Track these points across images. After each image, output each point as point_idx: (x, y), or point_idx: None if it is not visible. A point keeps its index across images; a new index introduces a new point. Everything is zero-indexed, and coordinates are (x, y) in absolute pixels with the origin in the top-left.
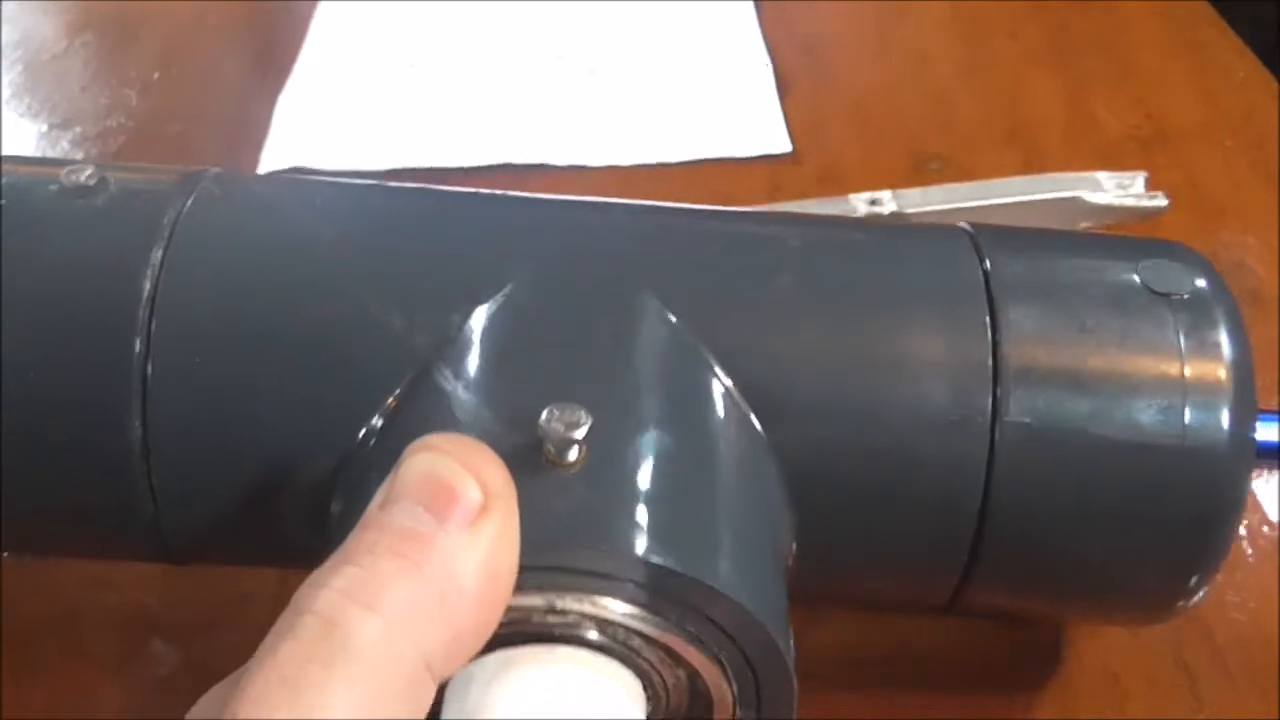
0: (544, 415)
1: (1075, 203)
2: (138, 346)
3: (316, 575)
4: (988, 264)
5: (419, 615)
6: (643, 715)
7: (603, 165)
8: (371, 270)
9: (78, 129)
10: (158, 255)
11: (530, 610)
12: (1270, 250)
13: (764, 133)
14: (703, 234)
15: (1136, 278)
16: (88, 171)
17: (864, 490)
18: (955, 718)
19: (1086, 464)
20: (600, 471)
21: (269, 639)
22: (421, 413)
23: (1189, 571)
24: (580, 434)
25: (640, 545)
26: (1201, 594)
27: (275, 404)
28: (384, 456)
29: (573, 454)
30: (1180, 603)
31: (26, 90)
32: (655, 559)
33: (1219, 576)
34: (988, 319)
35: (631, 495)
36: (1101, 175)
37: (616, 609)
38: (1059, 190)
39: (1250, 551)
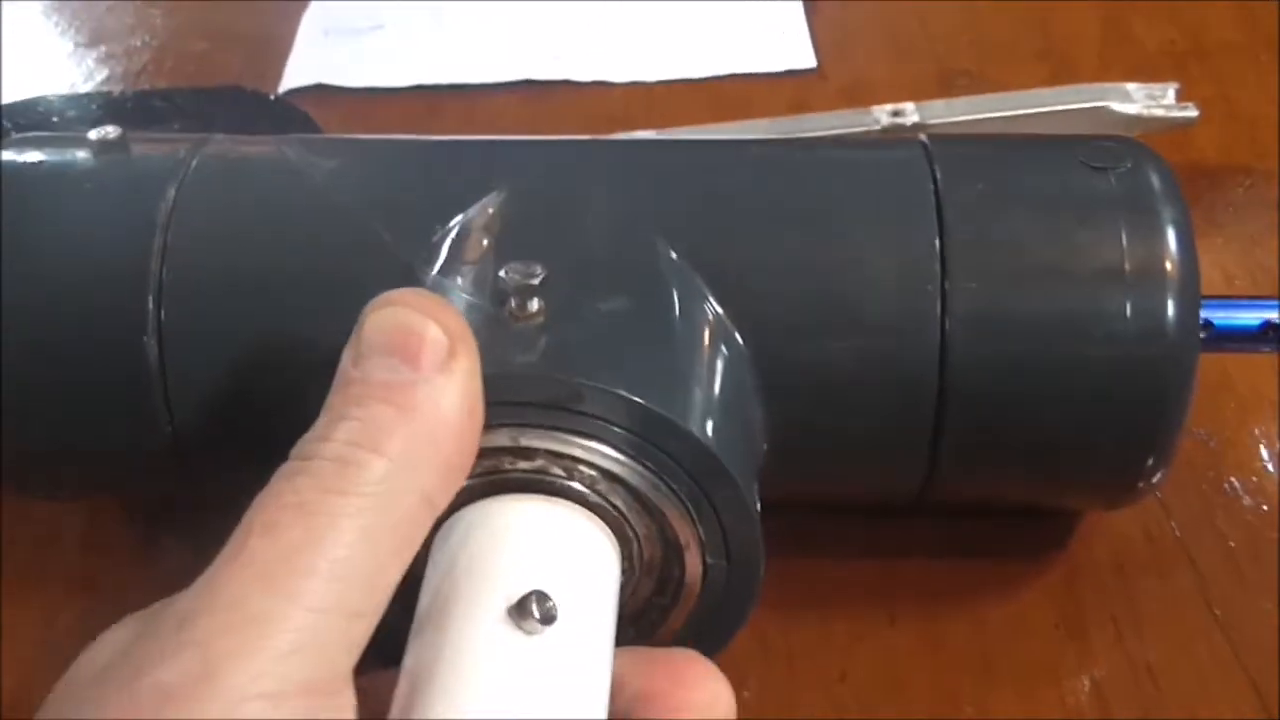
0: (502, 271)
1: (1103, 113)
2: (153, 266)
3: (313, 433)
4: (937, 168)
5: (417, 455)
6: (615, 559)
7: (625, 81)
8: (363, 193)
9: (103, 47)
10: (171, 191)
11: (498, 452)
12: None
13: (789, 48)
14: (673, 154)
15: (1077, 157)
16: (114, 132)
17: (827, 382)
18: (956, 609)
19: (1036, 347)
20: (562, 322)
21: (273, 484)
22: None
23: (1143, 452)
24: (536, 281)
25: (601, 377)
26: (1159, 476)
27: (278, 315)
28: None
29: (533, 305)
30: (1140, 483)
31: (54, 9)
32: (618, 390)
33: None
34: (935, 213)
35: (594, 340)
36: (1131, 86)
37: (580, 444)
38: (1086, 100)
39: (1267, 456)
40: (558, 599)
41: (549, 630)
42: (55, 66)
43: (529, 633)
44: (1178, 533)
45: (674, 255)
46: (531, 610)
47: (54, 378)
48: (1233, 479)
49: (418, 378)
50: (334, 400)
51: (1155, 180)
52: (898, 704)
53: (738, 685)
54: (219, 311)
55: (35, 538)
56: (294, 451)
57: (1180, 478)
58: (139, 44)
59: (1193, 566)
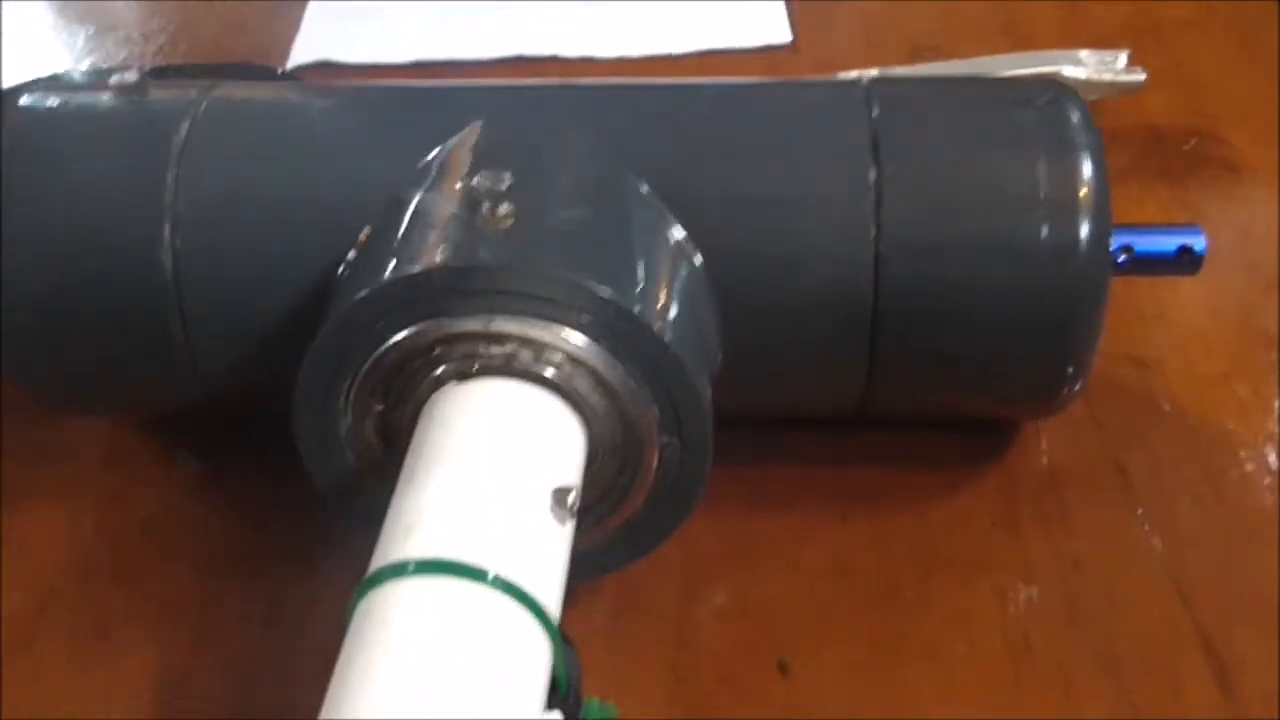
0: (474, 179)
1: (1055, 78)
2: (168, 194)
3: None
4: (875, 105)
5: None
6: (580, 436)
7: (611, 57)
8: (357, 128)
9: (120, 32)
10: (185, 126)
11: (473, 338)
12: (1248, 125)
13: (766, 24)
14: (642, 95)
15: (1003, 94)
16: (134, 75)
17: (774, 301)
18: (902, 510)
19: (963, 268)
20: (531, 225)
21: None
22: (391, 220)
23: (1062, 363)
24: (504, 187)
25: (566, 265)
26: (1079, 385)
27: (281, 236)
28: (367, 265)
29: (503, 208)
30: (1063, 391)
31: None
32: (581, 279)
33: (1085, 379)
34: (871, 146)
35: (561, 240)
36: (1083, 52)
37: (547, 329)
38: (1040, 65)
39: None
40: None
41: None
42: (75, 50)
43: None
44: (1108, 445)
45: (643, 187)
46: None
47: (79, 300)
48: (1163, 400)
49: None
50: None
51: (1072, 113)
52: (847, 589)
53: (701, 581)
54: (227, 233)
55: (60, 453)
56: None
57: (1115, 398)
58: (154, 29)
59: (1121, 474)
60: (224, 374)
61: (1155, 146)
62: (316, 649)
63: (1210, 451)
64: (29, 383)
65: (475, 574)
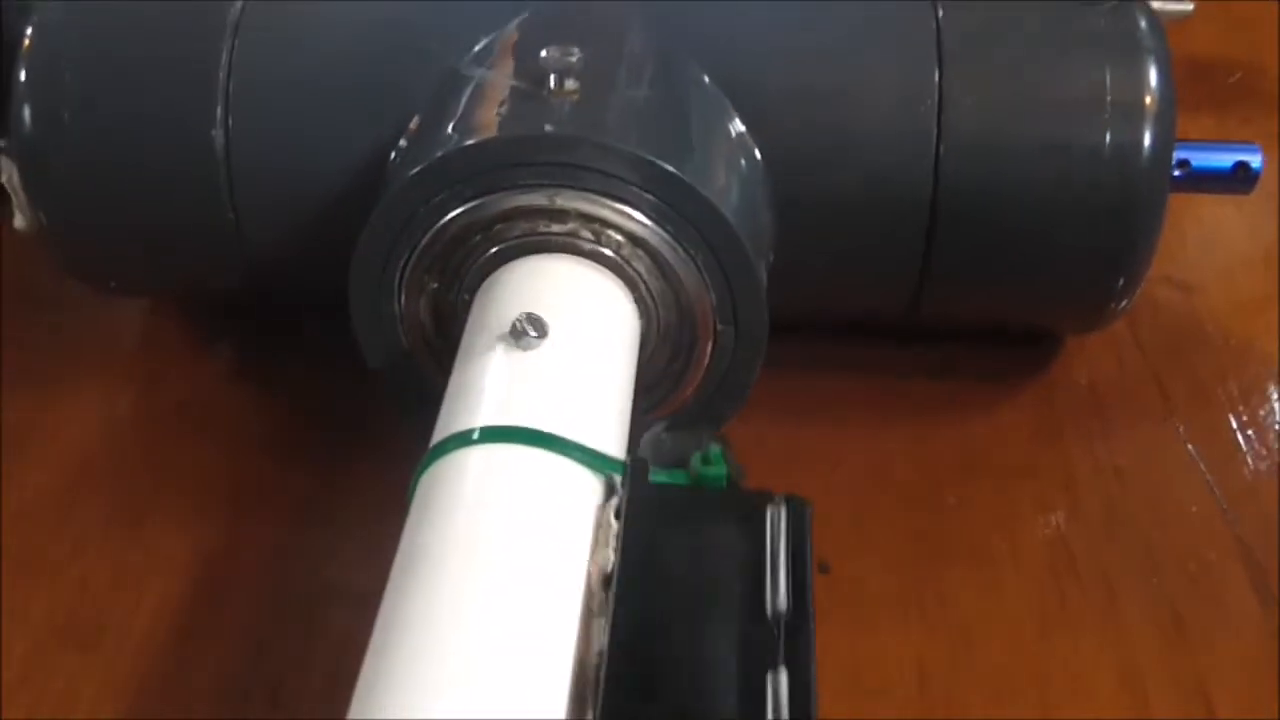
0: (543, 52)
1: None
2: (221, 70)
3: None
4: (940, 4)
5: None
6: (634, 316)
7: None
8: (407, 9)
9: None
10: (239, 1)
11: (534, 214)
12: None
13: None
14: None
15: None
16: None
17: (830, 198)
18: (943, 420)
19: (1022, 170)
20: (597, 100)
21: None
22: (447, 100)
23: (1114, 273)
24: (574, 59)
25: (632, 142)
26: (1127, 301)
27: (335, 115)
28: (424, 144)
29: (570, 83)
30: (1112, 304)
31: None
32: (647, 154)
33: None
34: (935, 45)
35: (627, 116)
36: None
37: (609, 206)
38: None
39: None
40: (557, 323)
41: (545, 344)
42: None
43: (524, 348)
44: (1150, 364)
45: (705, 78)
46: (524, 328)
47: (129, 175)
48: (1205, 321)
49: None
50: None
51: (1141, 20)
52: (886, 492)
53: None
54: (281, 110)
55: (96, 334)
56: None
57: (1158, 320)
58: None
59: (1162, 392)
60: (272, 254)
61: (1200, 78)
62: (355, 537)
63: (1252, 374)
64: (75, 259)
65: (543, 439)
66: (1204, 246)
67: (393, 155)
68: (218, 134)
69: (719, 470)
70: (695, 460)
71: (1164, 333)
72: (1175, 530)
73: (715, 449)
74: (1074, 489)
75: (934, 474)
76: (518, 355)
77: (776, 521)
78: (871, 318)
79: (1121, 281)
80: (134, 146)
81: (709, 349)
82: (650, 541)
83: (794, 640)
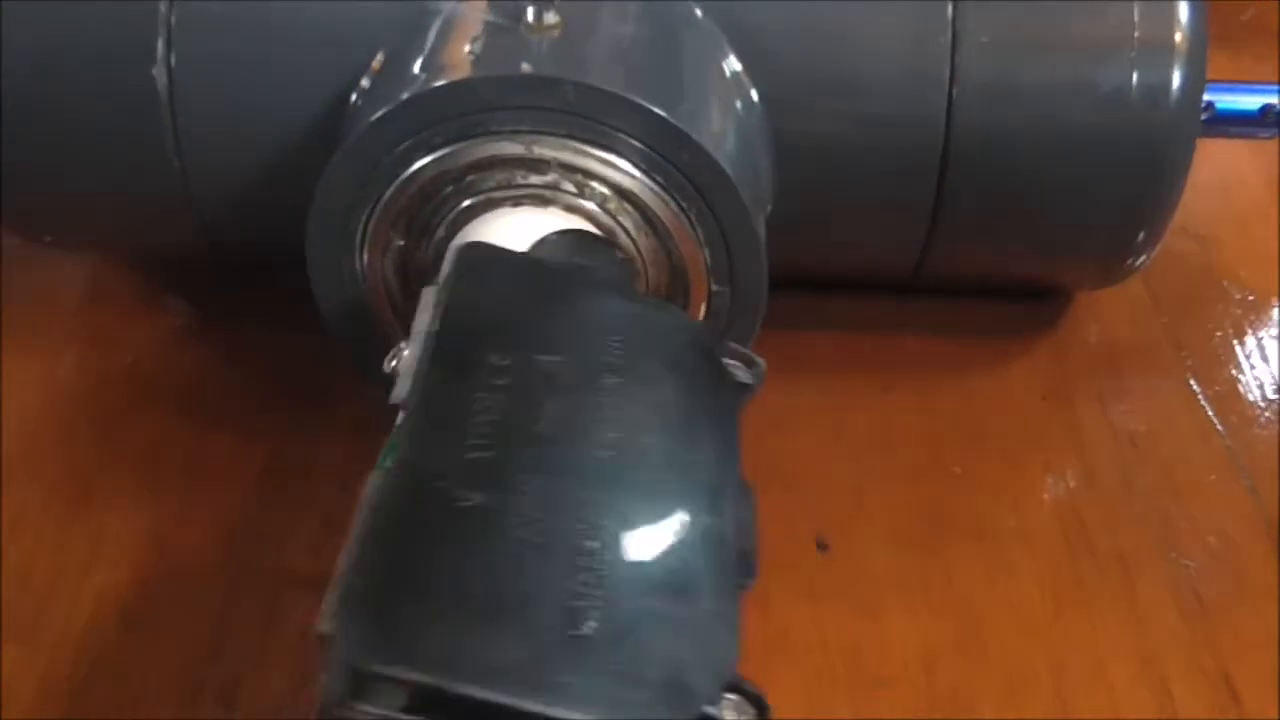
0: None
1: None
2: (163, 6)
3: None
4: None
5: None
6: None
7: None
8: None
9: None
10: None
11: (510, 164)
12: None
13: None
14: None
15: None
16: None
17: (835, 142)
18: (948, 381)
19: (1041, 113)
20: (580, 36)
21: None
22: (415, 35)
23: (1136, 224)
24: None
25: (619, 83)
26: (1146, 256)
27: (288, 53)
28: (389, 83)
29: (549, 17)
30: (1131, 258)
31: None
32: (634, 97)
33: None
34: None
35: (612, 55)
36: None
37: (593, 154)
38: None
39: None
40: None
41: None
42: None
43: None
44: (1165, 321)
45: (701, 15)
46: None
47: (68, 120)
48: (1222, 275)
49: None
50: None
51: None
52: (889, 461)
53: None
54: (228, 49)
55: (37, 290)
56: None
57: (1172, 273)
58: None
59: (1178, 350)
60: (223, 206)
61: (1210, 15)
62: (318, 515)
63: (1272, 329)
64: (14, 210)
65: None
66: (1218, 194)
67: (354, 96)
68: (159, 72)
69: None
70: None
71: (1178, 286)
72: (1193, 500)
73: None
74: (1086, 456)
75: (938, 440)
76: None
77: None
78: (877, 273)
79: (1142, 235)
80: (67, 87)
81: (703, 311)
82: None
83: None
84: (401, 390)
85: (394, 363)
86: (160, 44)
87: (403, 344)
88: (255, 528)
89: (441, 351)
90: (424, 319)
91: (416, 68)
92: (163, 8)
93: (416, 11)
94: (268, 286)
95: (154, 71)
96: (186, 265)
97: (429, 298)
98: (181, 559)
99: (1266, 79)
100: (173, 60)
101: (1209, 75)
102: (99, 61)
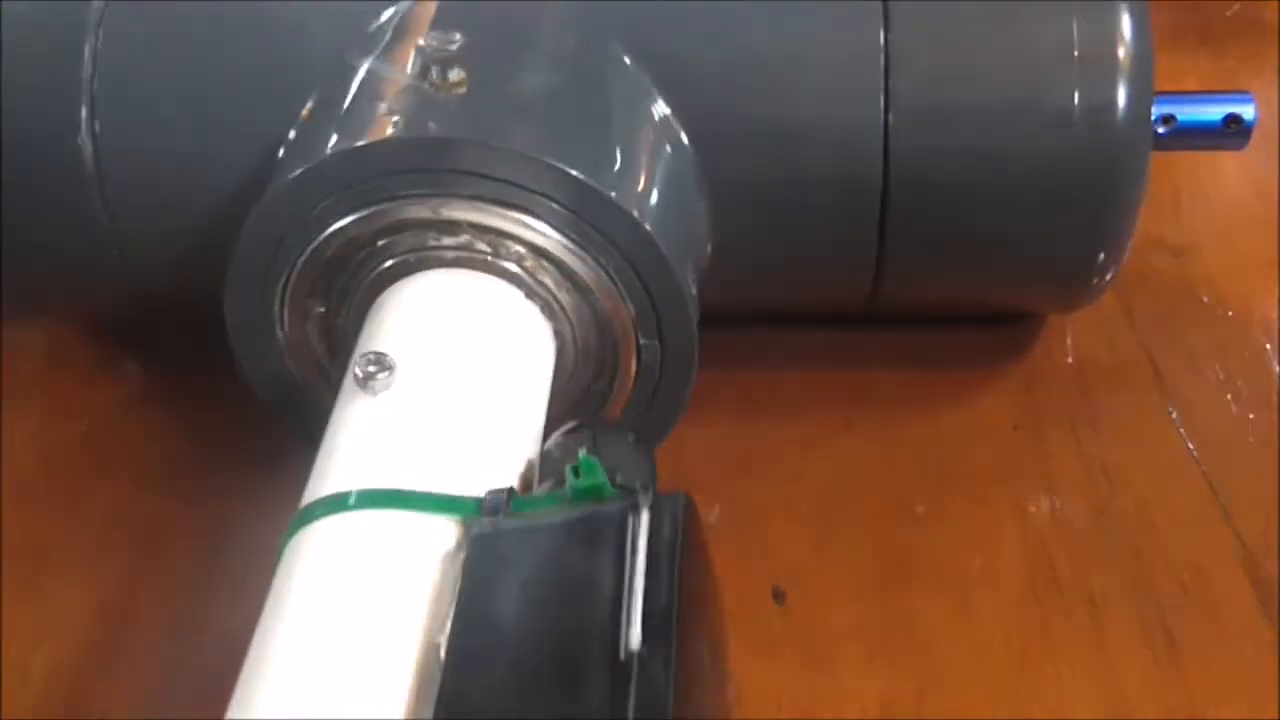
0: (421, 40)
1: None
2: (85, 69)
3: None
4: None
5: None
6: (547, 338)
7: None
8: None
9: None
10: None
11: (421, 226)
12: None
13: None
14: None
15: None
16: None
17: (772, 179)
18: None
19: (983, 138)
20: (488, 92)
21: None
22: (337, 90)
23: (1094, 246)
24: (454, 48)
25: (526, 145)
26: (1111, 275)
27: (214, 113)
28: (306, 143)
29: (454, 74)
30: (1093, 280)
31: None
32: (545, 158)
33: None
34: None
35: (522, 111)
36: None
37: (505, 216)
38: None
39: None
40: (416, 353)
41: (397, 382)
42: None
43: (372, 392)
44: (1142, 341)
45: (624, 57)
46: (368, 371)
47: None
48: (1202, 290)
49: None
50: None
51: None
52: (850, 504)
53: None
54: (153, 112)
55: None
56: None
57: (1147, 288)
58: None
59: (1155, 371)
60: (156, 269)
61: (1195, 11)
62: (266, 583)
63: (1253, 347)
64: None
65: (387, 498)
66: (1197, 203)
67: (281, 150)
68: (85, 140)
69: (593, 480)
70: (568, 473)
71: (1156, 303)
72: (1168, 535)
73: (585, 457)
74: (1057, 490)
75: (902, 479)
76: (366, 402)
77: (637, 532)
78: (829, 305)
79: (1101, 256)
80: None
81: (633, 366)
82: (495, 591)
83: (648, 683)
84: None
85: None
86: (84, 111)
87: None
88: (202, 600)
89: None
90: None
91: (330, 130)
92: (85, 74)
93: (341, 66)
94: (217, 347)
95: (79, 141)
96: (138, 328)
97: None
98: (128, 637)
99: (1252, 79)
100: (97, 127)
101: (1193, 76)
102: (23, 133)
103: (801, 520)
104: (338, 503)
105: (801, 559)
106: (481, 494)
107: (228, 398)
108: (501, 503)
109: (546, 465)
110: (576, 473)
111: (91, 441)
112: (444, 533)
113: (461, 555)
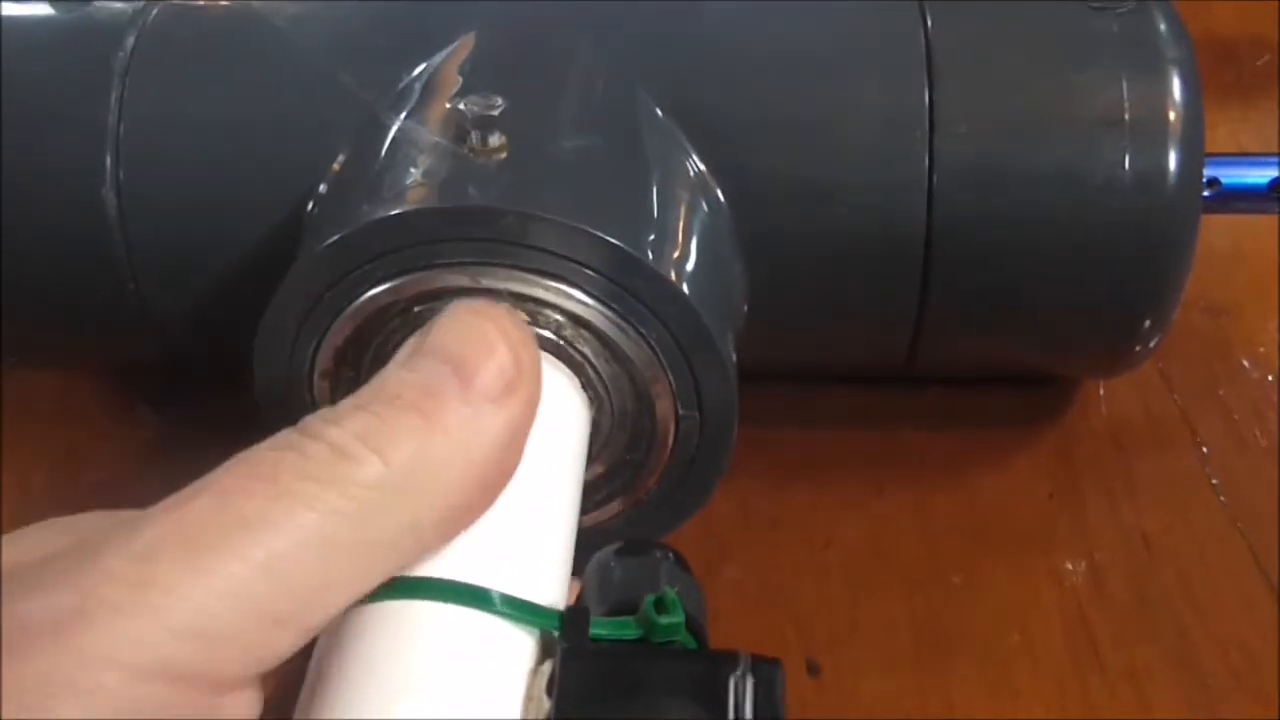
0: (461, 103)
1: None
2: (111, 118)
3: (329, 411)
4: (929, 13)
5: (423, 477)
6: (582, 406)
7: None
8: (328, 38)
9: None
10: (130, 39)
11: (458, 293)
12: None
13: None
14: (662, 5)
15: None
16: None
17: (810, 239)
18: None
19: (1028, 201)
20: (527, 158)
21: (259, 448)
22: (369, 149)
23: (1140, 314)
24: (496, 112)
25: (567, 213)
26: (1156, 340)
27: (240, 166)
28: (338, 203)
29: (494, 139)
30: (1136, 348)
31: None
32: (584, 226)
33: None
34: (925, 61)
35: (561, 176)
36: None
37: (544, 285)
38: None
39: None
40: None
41: None
42: None
43: None
44: (1179, 404)
45: (658, 111)
46: None
47: (17, 240)
48: (1240, 352)
49: (463, 397)
50: (366, 389)
51: (1160, 22)
52: (883, 571)
53: (720, 559)
54: (179, 163)
55: (8, 405)
56: (303, 421)
57: (1185, 350)
58: None
59: (1193, 437)
60: (180, 323)
61: (1225, 62)
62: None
63: None
64: None
65: (454, 592)
66: (1231, 260)
67: (310, 204)
68: (109, 193)
69: (675, 619)
70: (648, 606)
71: (1192, 366)
72: (1211, 609)
73: (671, 593)
74: (1096, 561)
75: (938, 547)
76: None
77: (741, 695)
78: (865, 366)
79: (1147, 324)
80: (18, 208)
81: (671, 435)
82: None
83: None
84: None
85: None
86: (109, 161)
87: None
88: None
89: None
90: None
91: (361, 194)
92: (111, 123)
93: (372, 122)
94: (235, 396)
95: (103, 192)
96: (154, 376)
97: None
98: None
99: None
100: (121, 176)
101: (1223, 128)
102: (46, 184)
103: (834, 587)
104: (401, 587)
105: (835, 629)
106: (527, 593)
107: (243, 446)
108: (584, 622)
109: (605, 584)
110: (659, 606)
111: (106, 491)
112: (515, 642)
113: (544, 673)
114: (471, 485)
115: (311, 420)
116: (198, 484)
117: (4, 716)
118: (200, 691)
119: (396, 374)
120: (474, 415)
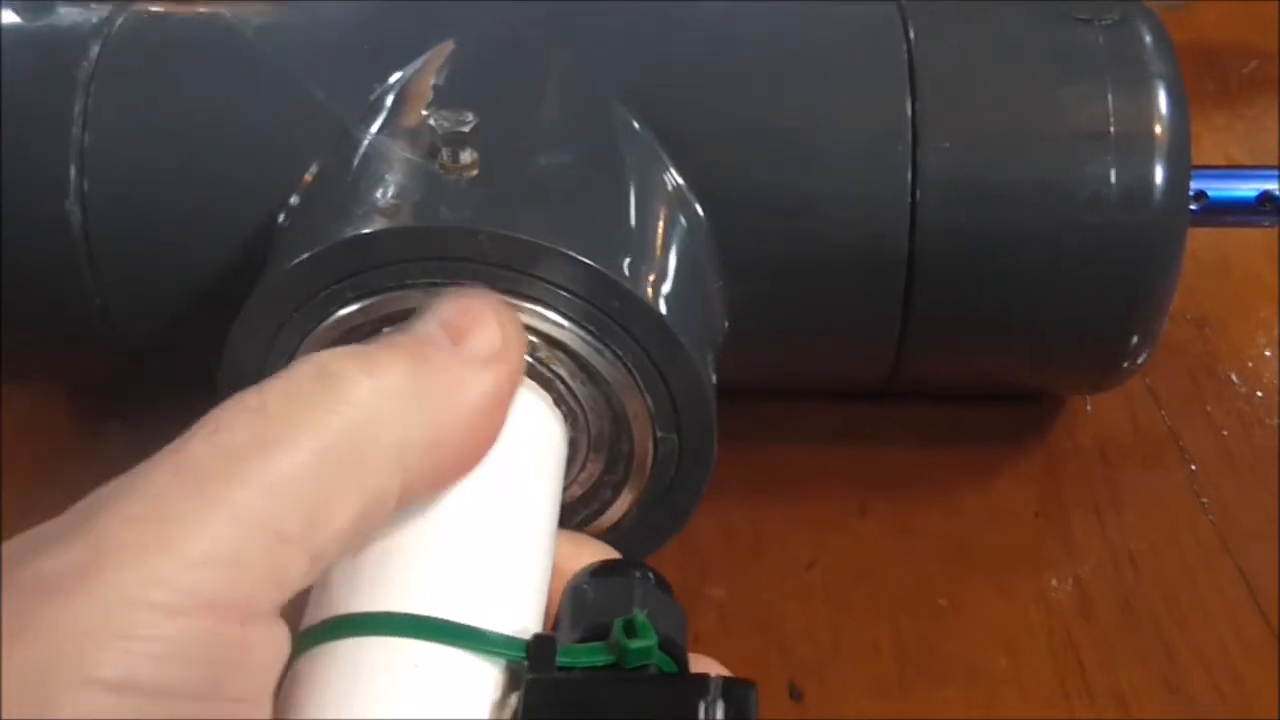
0: (431, 119)
1: None
2: (74, 129)
3: (321, 352)
4: (911, 24)
5: (411, 403)
6: (557, 428)
7: None
8: (298, 50)
9: None
10: (95, 49)
11: None
12: None
13: None
14: (640, 15)
15: (1061, 10)
16: None
17: (792, 254)
18: (931, 497)
19: (1013, 215)
20: (500, 175)
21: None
22: (340, 162)
23: (1127, 330)
24: (467, 129)
25: (540, 233)
26: (1144, 356)
27: (207, 179)
28: (308, 218)
29: (465, 155)
30: (1124, 364)
31: None
32: (558, 246)
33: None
34: (907, 72)
35: (534, 194)
36: None
37: (514, 305)
38: None
39: (1264, 342)
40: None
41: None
42: None
43: None
44: (1166, 419)
45: (634, 123)
46: None
47: None
48: (1227, 365)
49: (452, 352)
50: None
51: (1146, 34)
52: (867, 592)
53: (701, 579)
54: (145, 175)
55: None
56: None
57: (1171, 364)
58: None
59: (1181, 453)
60: (148, 338)
61: (1210, 69)
62: None
63: None
64: None
65: (417, 626)
66: (1217, 271)
67: (281, 216)
68: (73, 204)
69: (646, 642)
70: (617, 630)
71: (1181, 380)
72: (1199, 630)
73: (641, 616)
74: (1082, 581)
75: (921, 568)
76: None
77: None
78: (848, 382)
79: (1135, 340)
80: None
81: (649, 458)
82: None
83: None
84: None
85: None
86: (73, 172)
87: None
88: None
89: None
90: None
91: (330, 211)
92: (74, 133)
93: (344, 135)
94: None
95: (67, 204)
96: (123, 391)
97: None
98: None
99: (1269, 137)
100: (86, 188)
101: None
102: (8, 195)
103: (817, 609)
104: (353, 624)
105: (818, 653)
106: (495, 621)
107: None
108: (550, 651)
109: (578, 608)
110: (628, 630)
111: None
112: (480, 676)
113: (510, 706)
114: (457, 428)
115: (303, 357)
116: (188, 431)
117: (38, 672)
118: (229, 621)
119: (394, 335)
120: (462, 370)
